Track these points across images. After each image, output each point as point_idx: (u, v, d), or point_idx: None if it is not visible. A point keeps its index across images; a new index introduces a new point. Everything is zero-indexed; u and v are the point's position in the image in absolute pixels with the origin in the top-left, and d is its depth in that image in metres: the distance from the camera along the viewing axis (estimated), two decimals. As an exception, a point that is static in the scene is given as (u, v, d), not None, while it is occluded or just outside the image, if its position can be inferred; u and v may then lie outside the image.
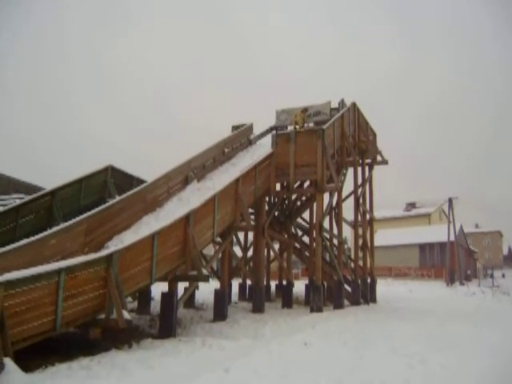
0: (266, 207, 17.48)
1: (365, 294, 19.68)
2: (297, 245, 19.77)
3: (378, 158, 23.11)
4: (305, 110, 19.92)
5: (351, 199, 20.49)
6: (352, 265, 20.08)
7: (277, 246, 21.53)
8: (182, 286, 11.35)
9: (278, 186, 16.99)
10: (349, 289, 18.66)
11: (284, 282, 19.79)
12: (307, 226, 20.40)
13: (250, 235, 19.47)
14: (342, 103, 20.73)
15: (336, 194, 18.42)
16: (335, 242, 19.60)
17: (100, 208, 11.53)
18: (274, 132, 19.20)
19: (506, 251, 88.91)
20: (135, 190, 12.96)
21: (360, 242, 21.12)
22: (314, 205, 17.42)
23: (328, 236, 18.98)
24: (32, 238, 9.58)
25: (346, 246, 25.29)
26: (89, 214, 11.09)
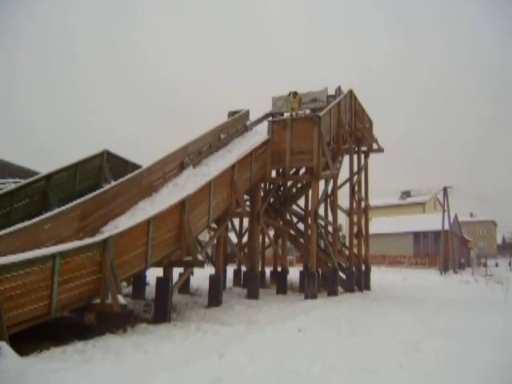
0: (262, 194, 17.47)
1: (359, 282, 19.80)
2: (292, 232, 19.81)
3: (374, 146, 23.12)
4: (294, 93, 19.48)
5: (347, 187, 20.52)
6: (347, 252, 20.16)
7: (272, 233, 21.55)
8: (176, 272, 11.35)
9: (273, 173, 16.98)
10: (343, 276, 18.74)
11: (279, 269, 19.87)
12: (302, 212, 20.42)
13: (246, 221, 19.46)
14: (338, 90, 20.61)
15: (331, 182, 18.41)
16: (330, 229, 19.67)
17: (95, 193, 11.48)
18: (270, 118, 19.09)
19: (499, 240, 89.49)
20: (131, 175, 12.90)
21: (355, 229, 21.19)
22: (310, 192, 17.40)
23: (323, 223, 19.03)
24: (27, 223, 9.55)
25: (340, 234, 25.37)
26: (84, 198, 11.05)
